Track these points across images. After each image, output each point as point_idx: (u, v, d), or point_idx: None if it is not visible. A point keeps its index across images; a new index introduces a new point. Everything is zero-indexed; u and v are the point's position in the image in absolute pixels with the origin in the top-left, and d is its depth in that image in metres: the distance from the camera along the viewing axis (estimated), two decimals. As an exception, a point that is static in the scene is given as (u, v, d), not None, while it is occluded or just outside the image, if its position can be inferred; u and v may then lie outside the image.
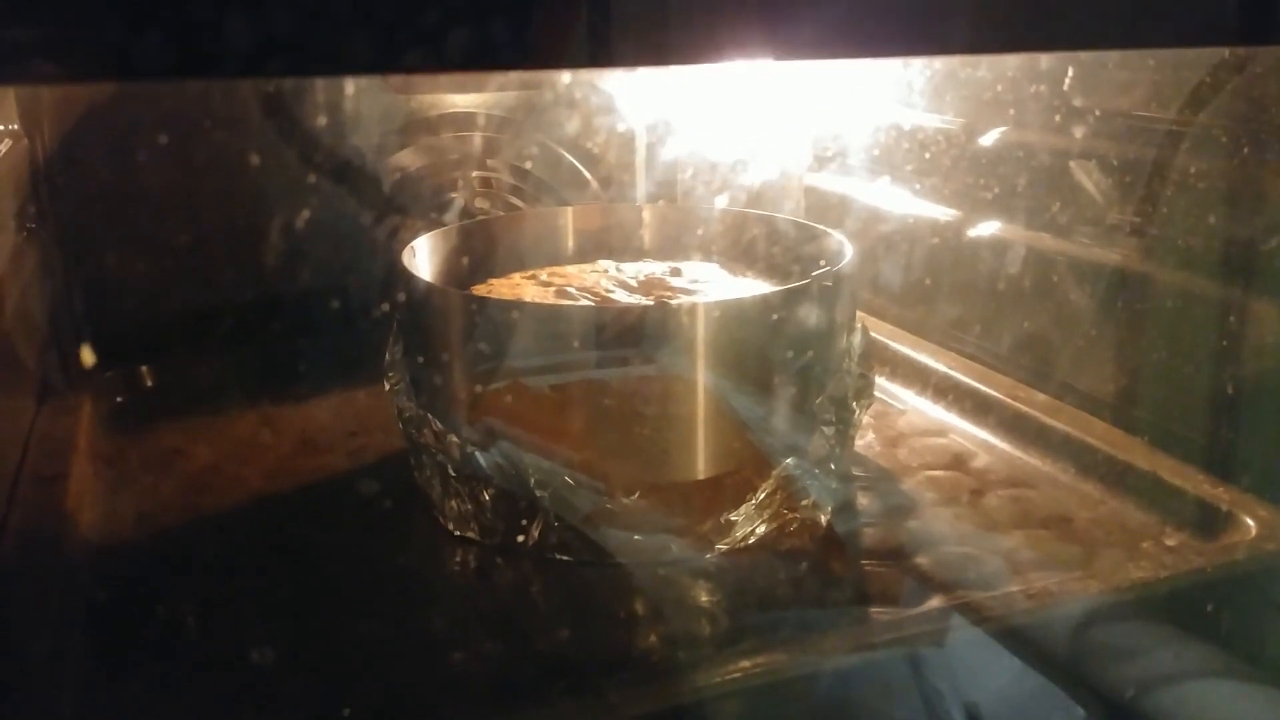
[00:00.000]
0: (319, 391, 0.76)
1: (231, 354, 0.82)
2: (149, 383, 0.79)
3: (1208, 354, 0.60)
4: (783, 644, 0.49)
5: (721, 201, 0.84)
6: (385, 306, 0.64)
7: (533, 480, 0.53)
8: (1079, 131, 0.65)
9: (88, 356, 0.75)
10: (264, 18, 0.27)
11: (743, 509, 0.55)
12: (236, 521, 0.61)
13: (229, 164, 0.81)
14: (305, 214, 0.79)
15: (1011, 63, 0.66)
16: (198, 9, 0.27)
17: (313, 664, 0.48)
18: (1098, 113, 0.64)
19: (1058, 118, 0.65)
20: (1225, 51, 0.55)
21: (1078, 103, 0.65)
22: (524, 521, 0.54)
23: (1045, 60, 0.63)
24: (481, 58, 0.31)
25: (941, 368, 0.75)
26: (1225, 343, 0.59)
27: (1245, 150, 0.56)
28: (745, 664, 0.47)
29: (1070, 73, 0.63)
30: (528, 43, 0.30)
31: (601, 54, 0.31)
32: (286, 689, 0.47)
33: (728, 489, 0.56)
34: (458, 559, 0.57)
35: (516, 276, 0.67)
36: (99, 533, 0.59)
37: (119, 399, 0.76)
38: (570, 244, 0.72)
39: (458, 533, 0.57)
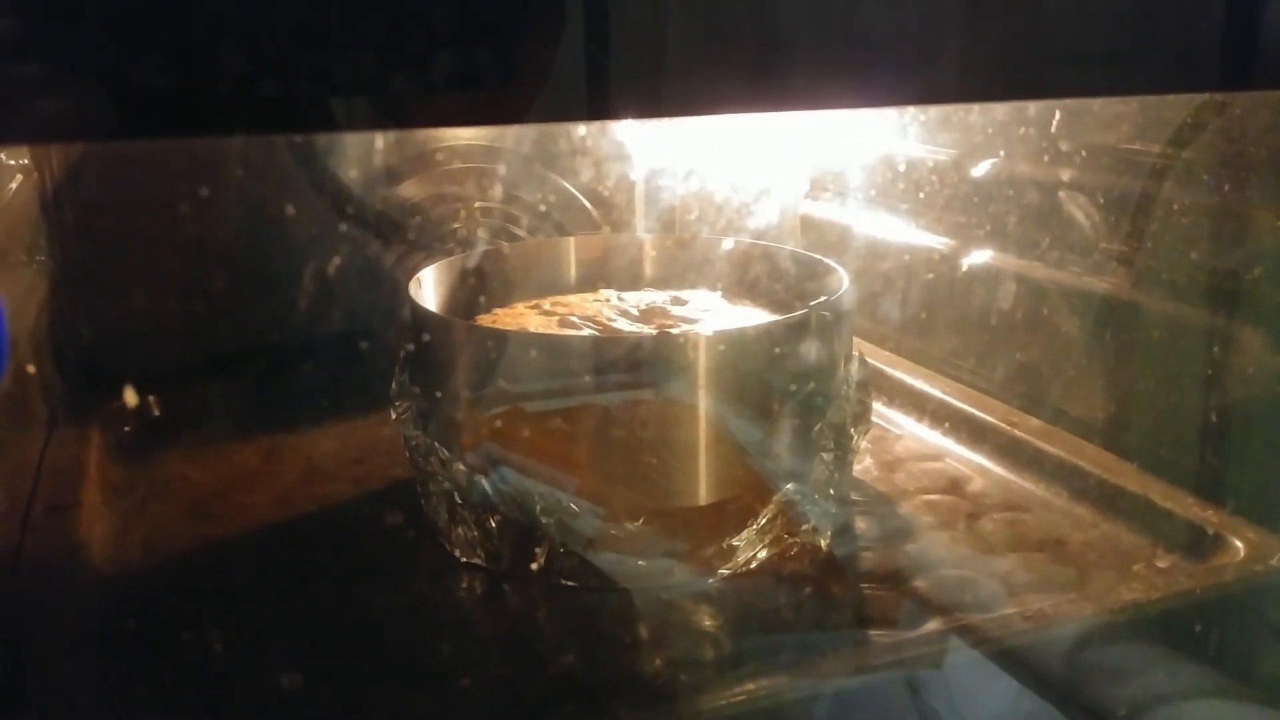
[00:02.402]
0: (325, 420, 0.77)
1: (238, 383, 0.83)
2: (156, 412, 0.79)
3: (1196, 380, 0.61)
4: (784, 666, 0.50)
5: (721, 232, 0.85)
6: (391, 336, 0.65)
7: (538, 507, 0.54)
8: (1069, 166, 0.66)
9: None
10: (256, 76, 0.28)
11: (744, 534, 0.56)
12: (244, 549, 0.62)
13: (234, 196, 0.82)
14: (311, 245, 0.80)
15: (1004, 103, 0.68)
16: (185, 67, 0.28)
17: (324, 689, 0.49)
18: (1084, 151, 0.65)
19: (1046, 158, 0.67)
20: (1207, 93, 0.56)
21: (1065, 141, 0.66)
22: (530, 548, 0.55)
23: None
24: (481, 111, 0.32)
25: (938, 394, 0.76)
26: (1212, 370, 0.60)
27: (1227, 186, 0.58)
28: (747, 686, 0.48)
29: (1058, 113, 0.65)
30: (527, 96, 0.32)
31: (600, 107, 0.32)
32: (298, 714, 0.48)
33: (729, 514, 0.56)
34: (464, 585, 0.57)
35: (520, 306, 0.68)
36: (110, 560, 0.60)
37: (127, 428, 0.76)
38: (573, 274, 0.74)
39: (464, 559, 0.58)
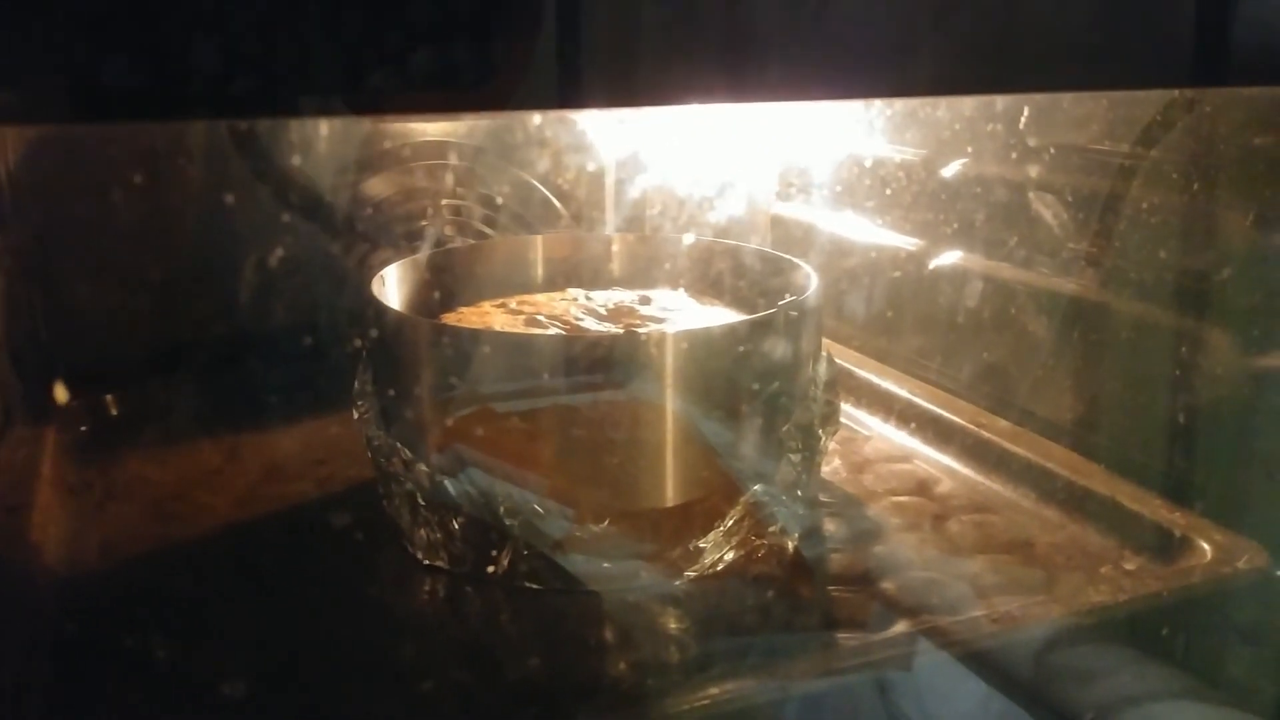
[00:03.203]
0: (286, 420, 0.76)
1: (197, 382, 0.81)
2: (114, 412, 0.78)
3: (1164, 382, 0.61)
4: (750, 670, 0.49)
5: (689, 231, 0.85)
6: (353, 335, 0.64)
7: (502, 508, 0.53)
8: (1037, 165, 0.66)
9: (61, 393, 0.74)
10: (227, 59, 0.28)
11: (711, 536, 0.56)
12: (204, 550, 0.61)
13: (197, 193, 0.81)
14: (273, 242, 0.78)
15: (972, 99, 0.68)
16: (159, 47, 0.28)
17: (282, 695, 0.48)
18: (1053, 150, 0.65)
19: (1014, 155, 0.67)
20: (1175, 91, 0.56)
21: (1033, 140, 0.66)
22: (493, 550, 0.54)
23: (1003, 97, 0.65)
24: (450, 99, 0.31)
25: (905, 395, 0.76)
26: (1180, 371, 0.60)
27: (1196, 185, 0.58)
28: (714, 690, 0.47)
29: (1026, 110, 0.65)
30: (497, 84, 0.31)
31: (571, 95, 0.31)
32: (256, 718, 0.47)
33: (696, 516, 0.56)
34: (427, 588, 0.57)
35: (486, 305, 0.67)
36: (64, 562, 0.59)
37: (83, 428, 0.75)
38: (540, 273, 0.73)
39: (427, 561, 0.57)
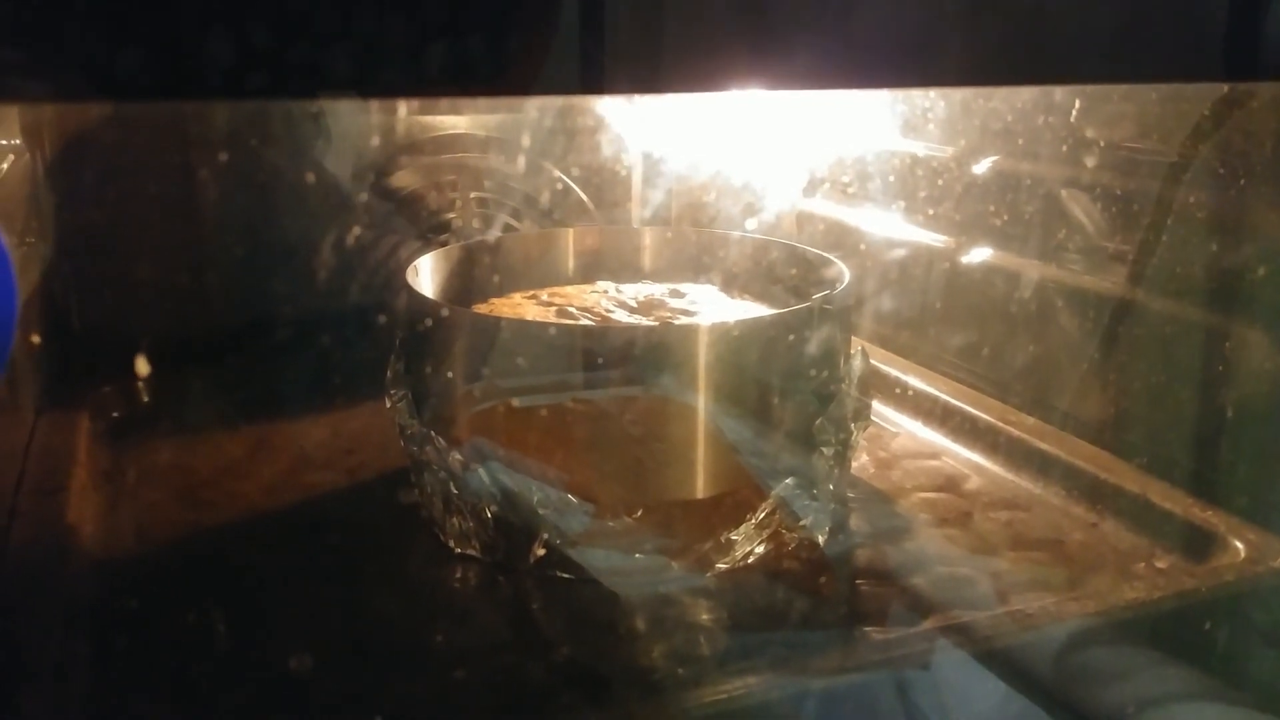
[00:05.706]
0: (316, 409, 0.76)
1: (228, 370, 0.82)
2: (145, 398, 0.79)
3: (1197, 380, 0.60)
4: (774, 663, 0.49)
5: (718, 226, 0.85)
6: (383, 327, 0.65)
7: (535, 498, 0.53)
8: (1072, 164, 0.66)
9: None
10: (244, 38, 0.28)
11: (743, 529, 0.56)
12: (235, 537, 0.61)
13: (228, 181, 0.82)
14: (305, 232, 0.79)
15: (1025, 95, 0.67)
16: (179, 26, 0.28)
17: (315, 681, 0.49)
18: (1097, 148, 0.64)
19: (1064, 148, 0.66)
20: (1224, 88, 0.56)
21: (1070, 139, 0.65)
22: (526, 539, 0.55)
23: (1059, 93, 0.64)
24: (470, 82, 0.31)
25: (933, 392, 0.76)
26: (1217, 369, 0.59)
27: (1241, 182, 0.57)
28: (741, 682, 0.47)
29: (1077, 103, 0.64)
30: (519, 68, 0.31)
31: (593, 80, 0.31)
32: (290, 705, 0.47)
33: (727, 509, 0.56)
34: (458, 576, 0.57)
35: (517, 296, 0.68)
36: (100, 546, 0.59)
37: (116, 414, 0.75)
38: (570, 265, 0.73)
39: (458, 550, 0.57)
